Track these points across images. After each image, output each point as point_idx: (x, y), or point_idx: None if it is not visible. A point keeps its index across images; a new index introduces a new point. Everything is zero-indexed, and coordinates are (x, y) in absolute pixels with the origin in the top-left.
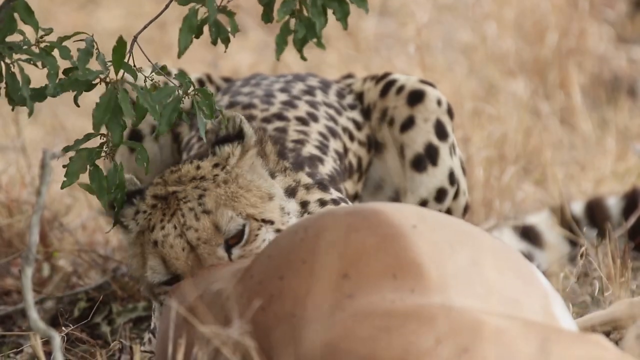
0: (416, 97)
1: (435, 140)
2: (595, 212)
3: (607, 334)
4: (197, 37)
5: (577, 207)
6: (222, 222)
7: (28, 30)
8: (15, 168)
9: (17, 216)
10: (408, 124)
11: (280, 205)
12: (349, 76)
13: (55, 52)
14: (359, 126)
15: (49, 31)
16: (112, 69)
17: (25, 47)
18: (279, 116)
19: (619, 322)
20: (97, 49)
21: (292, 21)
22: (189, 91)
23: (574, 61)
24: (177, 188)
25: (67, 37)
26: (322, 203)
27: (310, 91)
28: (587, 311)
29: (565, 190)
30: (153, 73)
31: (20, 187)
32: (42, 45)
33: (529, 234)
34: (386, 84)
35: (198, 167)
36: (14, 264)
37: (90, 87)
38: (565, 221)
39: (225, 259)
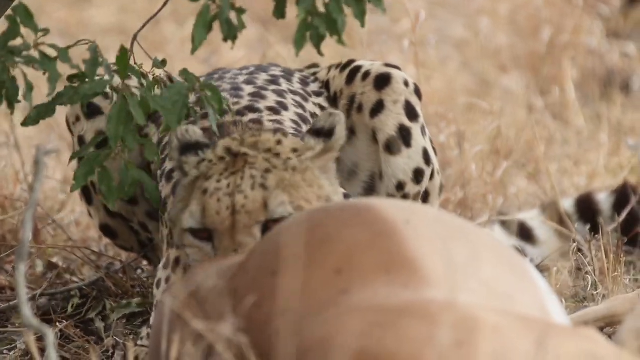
0: (383, 81)
1: (406, 122)
2: (586, 208)
3: (600, 330)
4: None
5: (568, 203)
6: (273, 203)
7: (25, 32)
8: (8, 164)
9: (11, 213)
10: (377, 108)
11: None
12: (314, 65)
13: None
14: None
15: (46, 32)
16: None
17: (25, 51)
18: (251, 108)
19: (613, 318)
20: (101, 55)
21: (307, 18)
22: (195, 87)
23: (568, 56)
24: (251, 152)
25: (71, 46)
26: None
27: (274, 80)
28: (580, 306)
29: (558, 185)
30: (154, 68)
31: (14, 184)
32: (41, 47)
33: (519, 230)
34: (351, 71)
35: (279, 142)
36: (7, 260)
37: (97, 95)
38: (558, 216)
39: (257, 238)
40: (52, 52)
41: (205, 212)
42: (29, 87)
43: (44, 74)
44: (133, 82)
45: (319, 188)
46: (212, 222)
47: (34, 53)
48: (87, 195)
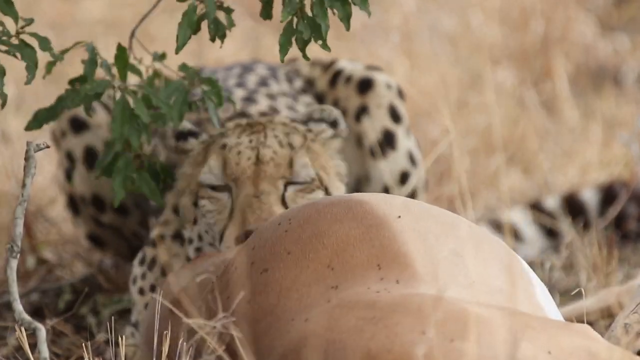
0: (366, 85)
1: (390, 125)
2: (571, 206)
3: (591, 324)
4: (195, 33)
5: (554, 202)
6: (298, 163)
7: (9, 21)
8: None
9: (1, 208)
10: (361, 113)
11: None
12: (295, 60)
13: (35, 43)
14: None
15: (30, 21)
16: (116, 73)
17: (4, 38)
18: (243, 114)
19: (605, 311)
20: (99, 54)
21: (293, 20)
22: (195, 82)
23: (560, 50)
24: (266, 121)
25: (67, 50)
26: None
27: (264, 82)
28: (572, 301)
29: (550, 179)
30: (153, 62)
31: (4, 179)
32: (22, 37)
33: (505, 229)
34: (334, 75)
35: (293, 121)
36: None
37: (99, 96)
38: (545, 213)
39: (280, 191)
40: (34, 42)
41: (226, 166)
42: (1, 72)
43: (22, 58)
44: (133, 80)
45: (337, 166)
46: (233, 173)
47: (15, 41)
48: (74, 207)
